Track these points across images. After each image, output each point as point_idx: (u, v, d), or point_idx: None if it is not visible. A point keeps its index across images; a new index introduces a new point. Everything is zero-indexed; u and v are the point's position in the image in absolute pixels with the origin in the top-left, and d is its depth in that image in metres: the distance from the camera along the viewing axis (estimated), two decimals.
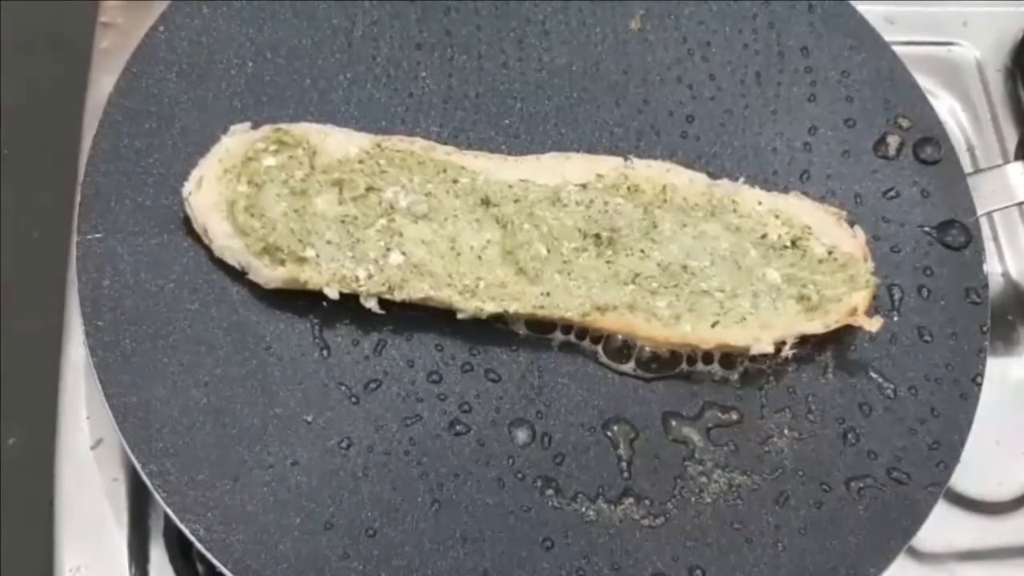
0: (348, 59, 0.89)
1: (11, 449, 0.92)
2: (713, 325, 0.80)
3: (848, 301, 0.81)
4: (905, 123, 0.91)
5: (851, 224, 0.84)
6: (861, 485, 0.80)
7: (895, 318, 0.85)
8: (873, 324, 0.81)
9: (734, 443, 0.81)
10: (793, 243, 0.83)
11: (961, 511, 0.91)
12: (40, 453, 0.84)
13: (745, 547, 0.78)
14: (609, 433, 0.80)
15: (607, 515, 0.78)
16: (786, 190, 0.87)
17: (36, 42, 1.05)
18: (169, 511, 0.74)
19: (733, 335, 0.80)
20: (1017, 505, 0.93)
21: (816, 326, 0.81)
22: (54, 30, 1.06)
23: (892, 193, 0.89)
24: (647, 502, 0.78)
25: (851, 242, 0.83)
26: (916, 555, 0.88)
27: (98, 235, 0.80)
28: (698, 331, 0.80)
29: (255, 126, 0.83)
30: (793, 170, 0.89)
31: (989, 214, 0.92)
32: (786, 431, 0.81)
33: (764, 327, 0.80)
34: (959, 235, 0.88)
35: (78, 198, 0.81)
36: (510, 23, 0.91)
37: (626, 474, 0.79)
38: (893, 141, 0.90)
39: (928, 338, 0.85)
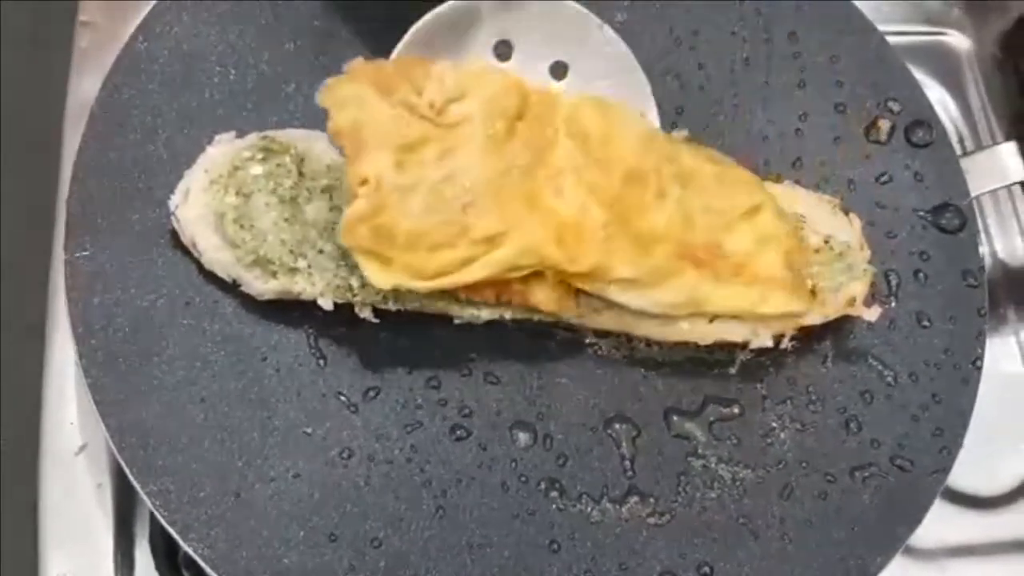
0: (331, 62, 0.87)
1: None
2: (711, 321, 0.79)
3: (846, 291, 0.80)
4: (895, 106, 0.90)
5: (846, 212, 0.84)
6: (865, 474, 0.80)
7: (893, 304, 0.85)
8: (872, 313, 0.80)
9: (736, 437, 0.80)
10: None
11: (953, 506, 0.91)
12: (29, 456, 0.83)
13: (752, 541, 0.77)
14: (611, 432, 0.80)
15: (612, 515, 0.77)
16: (779, 179, 0.86)
17: (14, 41, 1.03)
18: (172, 532, 0.73)
19: (731, 330, 0.79)
20: (1010, 500, 0.92)
21: (815, 317, 0.80)
22: (33, 29, 1.04)
23: (885, 178, 0.89)
24: (652, 500, 0.78)
25: (847, 230, 0.83)
26: (908, 551, 0.85)
27: (85, 253, 0.79)
28: (696, 328, 0.79)
29: (240, 134, 0.82)
30: (785, 158, 0.89)
31: (982, 196, 0.91)
32: (788, 423, 0.81)
33: (762, 321, 0.80)
34: (954, 218, 0.87)
35: (63, 216, 0.80)
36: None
37: (630, 472, 0.79)
38: (884, 125, 0.90)
39: (927, 323, 0.84)
